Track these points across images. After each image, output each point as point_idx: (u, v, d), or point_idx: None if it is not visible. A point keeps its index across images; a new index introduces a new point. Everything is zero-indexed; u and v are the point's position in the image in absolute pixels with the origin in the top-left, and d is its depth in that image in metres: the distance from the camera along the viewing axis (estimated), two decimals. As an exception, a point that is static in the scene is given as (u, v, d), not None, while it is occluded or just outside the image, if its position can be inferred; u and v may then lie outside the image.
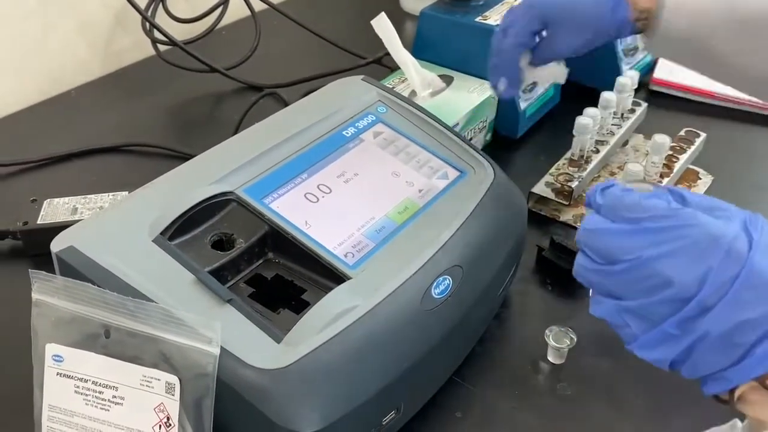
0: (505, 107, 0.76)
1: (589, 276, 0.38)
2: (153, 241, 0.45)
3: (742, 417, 0.38)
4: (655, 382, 0.53)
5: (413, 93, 0.73)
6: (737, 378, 0.35)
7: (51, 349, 0.43)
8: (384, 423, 0.45)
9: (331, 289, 0.45)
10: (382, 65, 0.87)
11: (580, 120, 0.68)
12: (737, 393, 0.36)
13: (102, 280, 0.43)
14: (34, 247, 0.63)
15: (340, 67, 0.87)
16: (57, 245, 0.45)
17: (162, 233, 0.46)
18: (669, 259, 0.35)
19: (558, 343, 0.54)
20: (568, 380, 0.53)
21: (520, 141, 0.79)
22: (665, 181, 0.69)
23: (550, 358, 0.54)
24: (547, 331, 0.54)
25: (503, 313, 0.58)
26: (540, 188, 0.69)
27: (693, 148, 0.74)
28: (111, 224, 0.47)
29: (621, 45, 0.83)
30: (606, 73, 0.81)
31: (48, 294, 0.43)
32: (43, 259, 0.47)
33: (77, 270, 0.44)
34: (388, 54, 0.74)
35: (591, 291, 0.40)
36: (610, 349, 0.56)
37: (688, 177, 0.73)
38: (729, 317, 0.34)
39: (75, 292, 0.42)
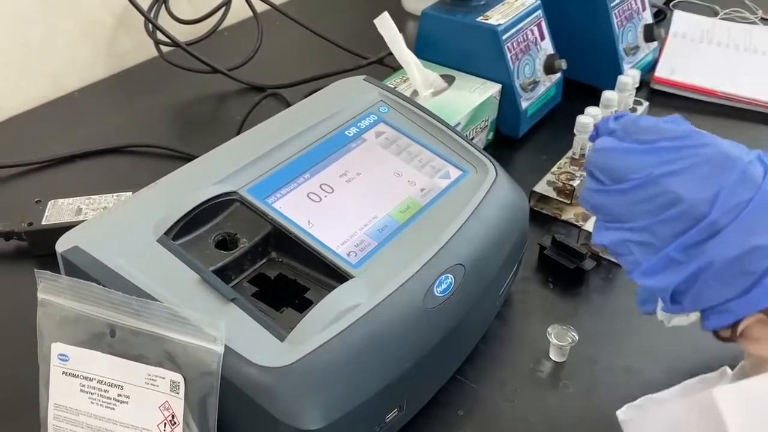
0: (507, 107, 0.77)
1: (596, 199, 0.37)
2: (157, 240, 0.46)
3: (732, 364, 0.37)
4: (658, 379, 0.53)
5: (415, 93, 0.73)
6: (743, 310, 0.33)
7: (56, 348, 0.43)
8: (387, 420, 0.45)
9: (334, 287, 0.45)
10: (384, 65, 0.87)
11: (581, 119, 0.69)
12: (741, 327, 0.34)
13: (107, 279, 0.43)
14: (39, 248, 0.63)
15: (342, 67, 0.87)
16: (62, 245, 0.46)
17: (166, 233, 0.46)
18: (681, 175, 0.33)
19: (560, 341, 0.54)
20: (570, 378, 0.53)
21: (521, 140, 0.79)
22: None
23: (552, 356, 0.55)
24: (549, 329, 0.54)
25: (505, 312, 0.59)
26: (541, 187, 0.69)
27: (694, 146, 0.74)
28: (115, 224, 0.47)
29: (622, 43, 0.84)
30: (607, 72, 0.81)
31: (53, 293, 0.43)
32: (47, 260, 0.47)
33: (82, 270, 0.44)
34: (389, 54, 0.74)
35: (596, 220, 0.38)
36: (611, 346, 0.56)
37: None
38: (739, 242, 0.32)
39: (80, 291, 0.43)
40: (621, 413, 0.36)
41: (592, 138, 0.38)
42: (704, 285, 0.34)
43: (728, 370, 0.35)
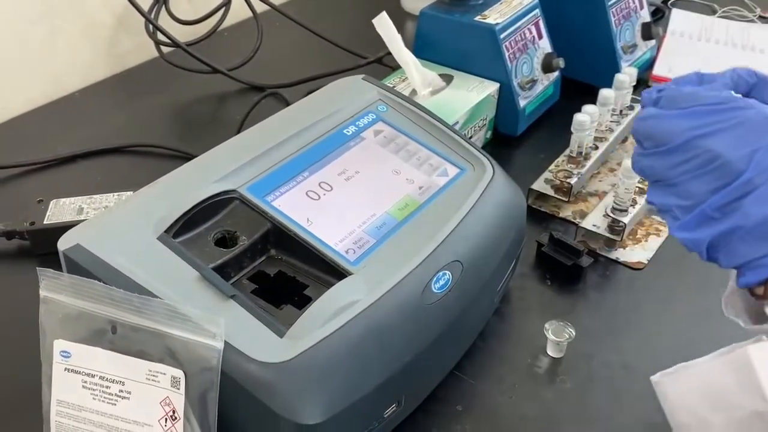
0: (505, 105, 0.77)
1: (642, 162, 0.39)
2: (157, 238, 0.46)
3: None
4: (655, 374, 0.54)
5: (414, 92, 0.73)
6: None
7: (59, 345, 0.44)
8: (386, 416, 0.46)
9: (332, 284, 0.46)
10: (383, 65, 0.88)
11: (578, 117, 0.69)
12: None
13: (108, 277, 0.44)
14: (41, 247, 0.64)
15: (341, 67, 0.87)
16: (64, 243, 0.46)
17: (166, 231, 0.47)
18: (719, 134, 0.35)
19: (557, 337, 0.54)
20: (567, 373, 0.54)
21: (520, 138, 0.80)
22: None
23: (549, 352, 0.55)
24: (546, 325, 0.55)
25: (503, 308, 0.59)
26: (539, 185, 0.70)
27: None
28: (116, 223, 0.48)
29: (620, 42, 0.84)
30: (605, 70, 0.81)
31: (55, 291, 0.44)
32: (49, 259, 0.48)
33: (84, 267, 0.45)
34: (388, 53, 0.74)
35: (648, 183, 0.40)
36: (608, 342, 0.56)
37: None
38: None
39: (82, 288, 0.43)
40: (654, 378, 0.37)
41: (644, 105, 0.41)
42: (739, 241, 0.36)
43: (764, 337, 0.35)
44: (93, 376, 0.43)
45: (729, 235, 0.36)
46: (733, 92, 0.38)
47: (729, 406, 0.33)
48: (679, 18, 1.01)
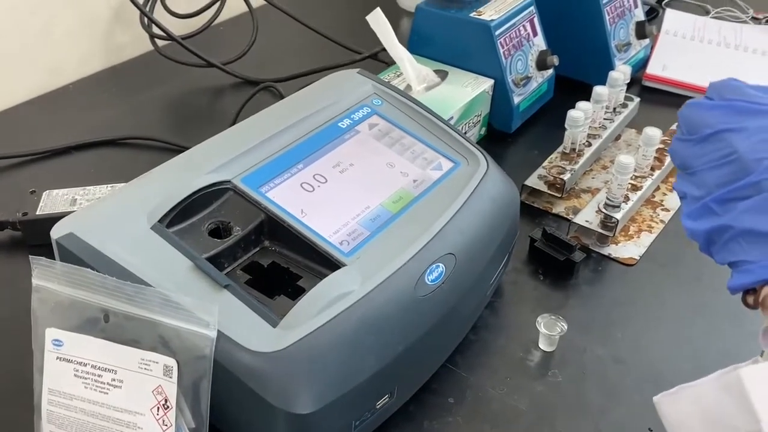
0: (500, 102, 0.77)
1: (675, 146, 0.40)
2: (151, 228, 0.46)
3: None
4: (646, 369, 0.54)
5: (408, 87, 0.74)
6: (762, 272, 0.35)
7: (51, 333, 0.44)
8: (378, 406, 0.46)
9: (326, 276, 0.46)
10: (378, 60, 0.88)
11: (572, 113, 0.69)
12: (762, 294, 0.35)
13: (101, 266, 0.44)
14: (34, 238, 0.63)
15: (336, 62, 0.87)
16: (57, 232, 0.46)
17: (160, 221, 0.47)
18: (743, 132, 0.36)
19: (549, 330, 0.54)
20: (559, 367, 0.54)
21: (514, 135, 0.80)
22: (656, 174, 0.70)
23: (541, 346, 0.55)
24: (538, 318, 0.55)
25: (496, 302, 0.59)
26: (533, 181, 0.70)
27: (684, 142, 0.75)
28: (110, 212, 0.48)
29: (614, 40, 0.84)
30: (599, 68, 0.82)
31: (48, 279, 0.44)
32: (42, 250, 0.47)
33: (77, 256, 0.45)
34: (383, 49, 0.75)
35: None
36: (600, 336, 0.57)
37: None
38: None
39: (74, 277, 0.43)
40: (656, 398, 0.37)
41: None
42: (731, 239, 0.36)
43: (760, 358, 0.36)
44: (85, 364, 0.43)
45: (722, 232, 0.36)
46: None
47: (725, 429, 0.33)
48: (672, 18, 1.02)
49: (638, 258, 0.64)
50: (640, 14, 0.90)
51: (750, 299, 0.36)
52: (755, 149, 0.35)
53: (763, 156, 0.35)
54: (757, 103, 0.37)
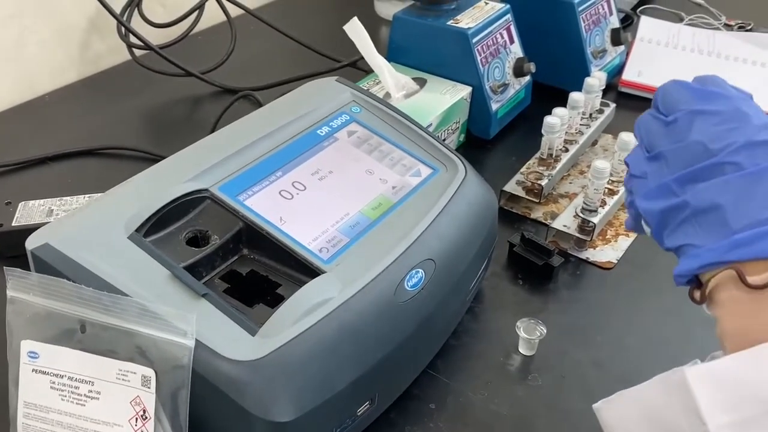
0: (478, 109, 0.78)
1: (645, 120, 0.40)
2: (128, 237, 0.46)
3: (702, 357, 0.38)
4: (625, 371, 0.55)
5: (387, 95, 0.74)
6: (709, 256, 0.34)
7: (26, 345, 0.43)
8: (359, 413, 0.46)
9: (305, 283, 0.46)
10: (357, 68, 0.88)
11: (548, 119, 0.70)
12: (709, 286, 0.35)
13: (77, 276, 0.43)
14: (9, 249, 0.63)
15: (315, 71, 0.88)
16: (32, 243, 0.46)
17: (137, 230, 0.46)
18: (712, 116, 0.36)
19: (529, 334, 0.55)
20: (539, 371, 0.54)
21: (493, 141, 0.81)
22: (633, 178, 0.71)
23: (521, 350, 0.56)
24: (518, 323, 0.55)
25: (476, 307, 0.60)
26: (511, 186, 0.71)
27: (660, 146, 0.76)
28: (86, 222, 0.47)
29: (590, 47, 0.86)
30: (575, 75, 0.82)
31: (23, 291, 0.43)
32: (18, 261, 0.47)
33: (53, 267, 0.44)
34: (362, 58, 0.75)
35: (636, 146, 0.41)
36: (579, 340, 0.57)
37: (656, 175, 0.75)
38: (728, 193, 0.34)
39: (50, 288, 0.43)
40: (596, 405, 0.37)
41: None
42: (685, 220, 0.36)
43: (699, 361, 0.36)
44: (61, 376, 0.43)
45: (678, 211, 0.36)
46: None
47: (667, 430, 0.33)
48: (647, 25, 1.03)
49: (616, 261, 0.65)
50: (615, 21, 0.91)
51: (696, 294, 0.36)
52: (722, 134, 0.36)
53: (728, 141, 0.35)
54: (734, 97, 0.37)
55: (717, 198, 0.35)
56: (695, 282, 0.36)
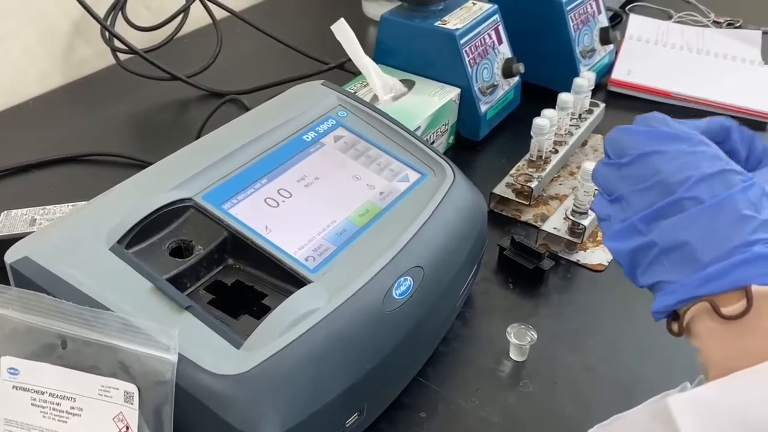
0: (467, 110, 0.77)
1: (600, 170, 0.40)
2: (110, 249, 0.45)
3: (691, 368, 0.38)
4: (616, 376, 0.54)
5: (375, 97, 0.73)
6: (683, 292, 0.35)
7: (6, 362, 0.42)
8: (347, 425, 0.45)
9: (292, 293, 0.45)
10: (344, 70, 0.87)
11: (537, 121, 0.69)
12: (686, 319, 0.35)
13: (58, 290, 0.42)
14: (-8, 260, 0.62)
15: (302, 73, 0.87)
16: (11, 256, 0.45)
17: (119, 241, 0.46)
18: (664, 154, 0.37)
19: (519, 340, 0.54)
20: (530, 377, 0.54)
21: (482, 143, 0.80)
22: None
23: (512, 356, 0.55)
24: (508, 328, 0.55)
25: (466, 313, 0.59)
26: (501, 189, 0.70)
27: (650, 146, 0.75)
28: (67, 233, 0.46)
29: (578, 46, 0.85)
30: (565, 75, 0.82)
31: (2, 306, 0.42)
32: (1, 272, 0.46)
33: (32, 281, 0.43)
34: (350, 59, 0.74)
35: (597, 192, 0.42)
36: (570, 344, 0.57)
37: (646, 175, 0.75)
38: (691, 230, 0.34)
39: (30, 302, 0.42)
40: (592, 431, 0.37)
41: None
42: (655, 260, 0.36)
43: (689, 384, 0.36)
44: (43, 393, 0.42)
45: (647, 251, 0.36)
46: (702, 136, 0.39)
47: None
48: (636, 23, 1.03)
49: (606, 264, 0.64)
50: (603, 20, 0.90)
51: (674, 326, 0.37)
52: (677, 170, 0.36)
53: (684, 176, 0.36)
54: (679, 130, 0.38)
55: (682, 235, 0.35)
56: (672, 315, 0.37)
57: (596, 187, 0.42)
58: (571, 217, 0.64)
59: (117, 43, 0.86)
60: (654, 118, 0.39)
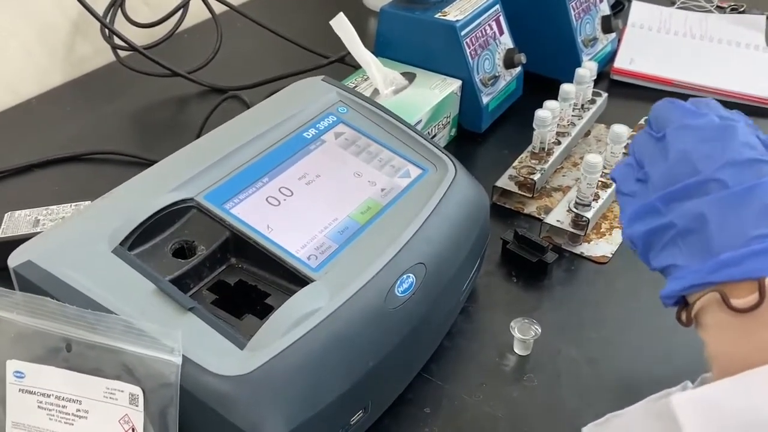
0: (468, 102, 0.77)
1: (640, 139, 0.40)
2: (112, 252, 0.45)
3: (694, 362, 0.38)
4: (620, 369, 0.54)
5: (376, 91, 0.73)
6: (694, 277, 0.34)
7: (12, 365, 0.43)
8: (352, 423, 0.45)
9: (295, 292, 0.45)
10: (345, 64, 0.87)
11: (539, 113, 0.69)
12: (695, 308, 0.35)
13: (61, 293, 0.43)
14: (-4, 261, 0.62)
15: (303, 67, 0.86)
16: (14, 260, 0.45)
17: (121, 243, 0.46)
18: (700, 134, 0.36)
19: (523, 334, 0.54)
20: (534, 371, 0.54)
21: (484, 135, 0.80)
22: (626, 169, 0.70)
23: (516, 350, 0.55)
24: (512, 323, 0.55)
25: (470, 307, 0.59)
26: (503, 182, 0.70)
27: (653, 136, 0.75)
28: (69, 236, 0.47)
29: (580, 36, 0.84)
30: (567, 64, 0.81)
31: (6, 310, 0.43)
32: (6, 273, 0.46)
33: (35, 284, 0.43)
34: (350, 53, 0.74)
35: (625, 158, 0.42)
36: (574, 338, 0.57)
37: (649, 165, 0.74)
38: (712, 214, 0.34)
39: (34, 306, 0.42)
40: (585, 429, 0.37)
41: None
42: (670, 241, 0.36)
43: (689, 384, 0.35)
44: (48, 396, 0.42)
45: (663, 232, 0.36)
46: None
47: None
48: (638, 10, 1.02)
49: (610, 256, 0.64)
50: (605, 8, 0.90)
51: (684, 315, 0.36)
52: (706, 151, 0.35)
53: (713, 157, 0.35)
54: (724, 116, 0.37)
55: (702, 218, 0.34)
56: (682, 303, 0.36)
57: (623, 152, 0.42)
58: (574, 209, 0.64)
59: (116, 40, 0.85)
60: (704, 102, 0.39)
